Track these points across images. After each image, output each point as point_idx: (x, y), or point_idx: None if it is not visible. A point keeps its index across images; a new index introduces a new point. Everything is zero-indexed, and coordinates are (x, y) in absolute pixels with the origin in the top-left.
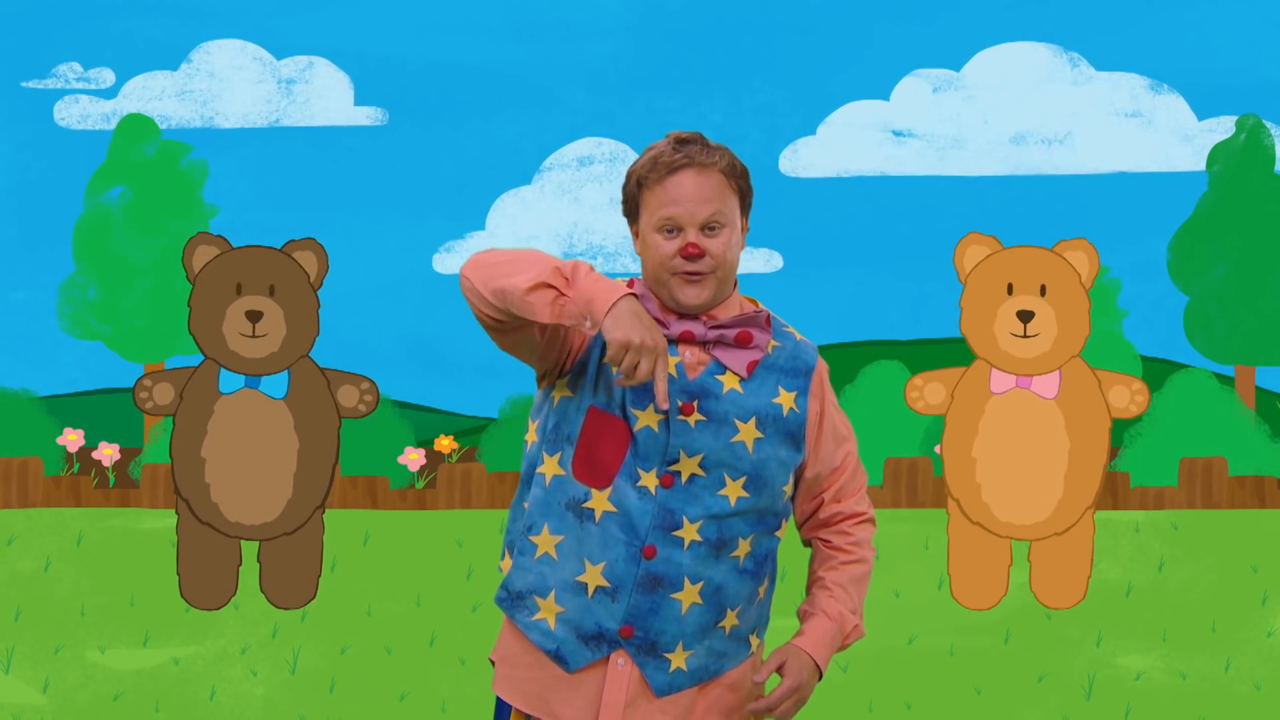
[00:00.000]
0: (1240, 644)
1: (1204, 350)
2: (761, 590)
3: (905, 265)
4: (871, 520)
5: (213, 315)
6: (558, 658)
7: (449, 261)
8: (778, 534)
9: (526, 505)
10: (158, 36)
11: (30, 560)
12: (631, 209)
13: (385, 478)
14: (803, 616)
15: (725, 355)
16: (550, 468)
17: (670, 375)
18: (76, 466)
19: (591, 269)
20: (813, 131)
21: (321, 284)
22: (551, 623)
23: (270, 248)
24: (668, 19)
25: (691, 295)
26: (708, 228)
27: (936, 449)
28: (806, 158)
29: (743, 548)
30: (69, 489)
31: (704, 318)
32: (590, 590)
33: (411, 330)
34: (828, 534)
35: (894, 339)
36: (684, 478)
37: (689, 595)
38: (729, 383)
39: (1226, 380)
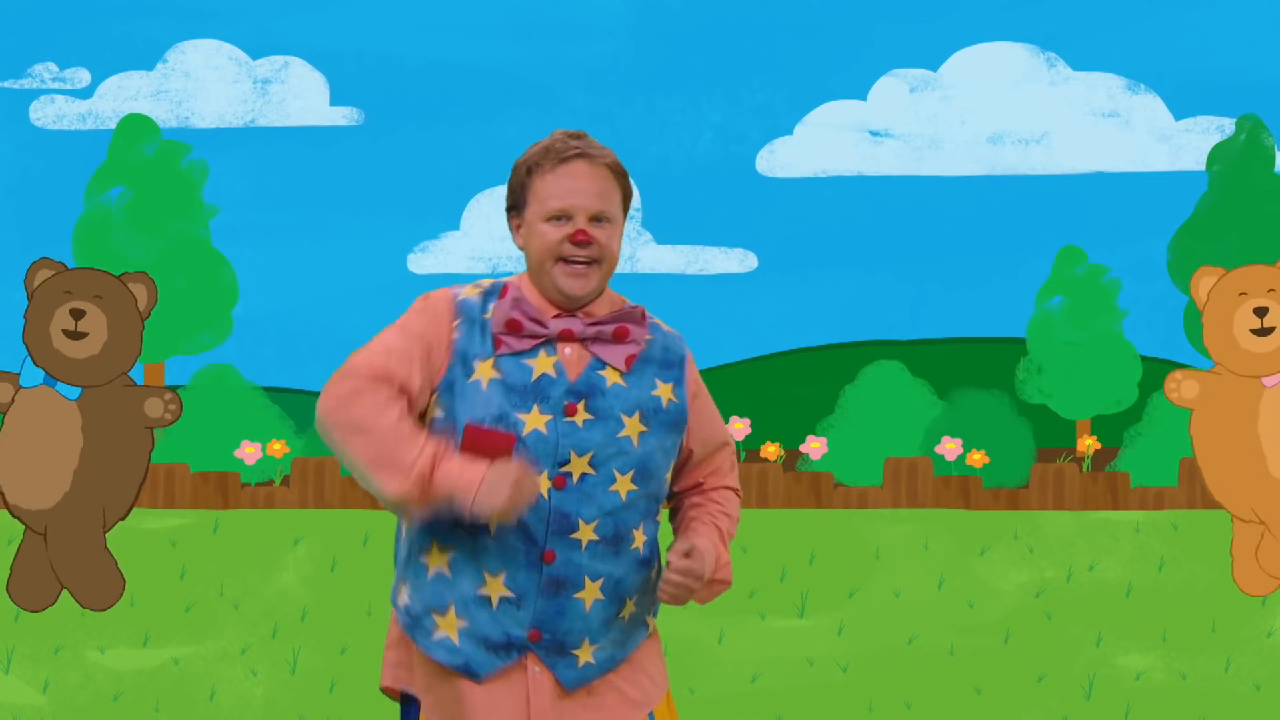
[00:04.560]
0: (1240, 644)
1: (1204, 350)
2: (654, 574)
3: (901, 266)
4: (738, 493)
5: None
6: (466, 670)
7: (424, 262)
8: (657, 519)
9: (407, 527)
10: (133, 36)
11: None
12: (518, 199)
13: None
14: (687, 533)
15: (604, 351)
16: None
17: (550, 375)
18: None
19: (438, 461)
20: (790, 131)
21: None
22: (455, 637)
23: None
24: (668, 19)
25: (577, 286)
26: (596, 219)
27: (936, 449)
28: (784, 157)
29: (638, 538)
30: None
31: (580, 314)
32: (494, 601)
33: None
34: (700, 496)
35: (894, 339)
36: (575, 477)
37: (590, 593)
38: (611, 378)
39: None
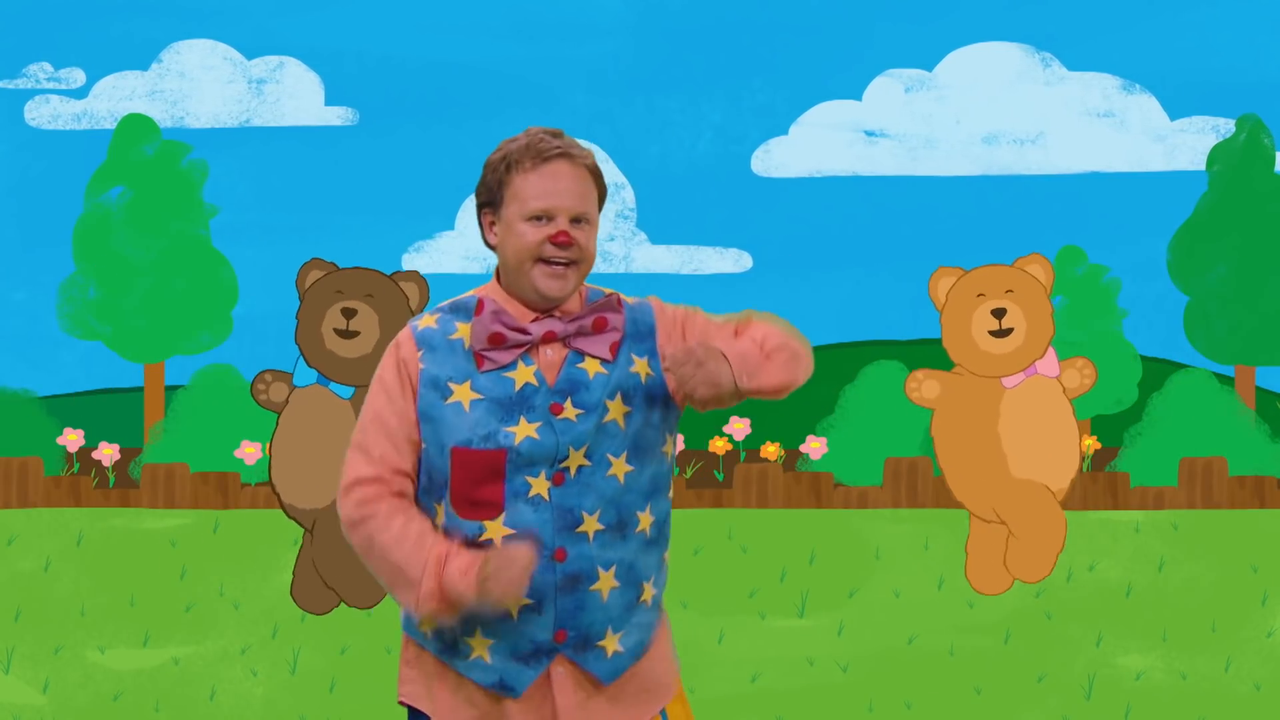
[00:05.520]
0: (1240, 644)
1: (1204, 350)
2: (665, 555)
3: (899, 266)
4: (766, 324)
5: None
6: (502, 687)
7: (419, 261)
8: (669, 495)
9: None
10: (128, 36)
11: (30, 560)
12: (495, 196)
13: None
14: None
15: (586, 344)
16: (440, 517)
17: (532, 384)
18: (76, 466)
19: (444, 569)
20: (785, 131)
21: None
22: (486, 656)
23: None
24: (668, 19)
25: (556, 287)
26: (576, 220)
27: None
28: (779, 157)
29: (644, 521)
30: (69, 489)
31: (558, 313)
32: (515, 611)
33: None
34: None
35: (894, 339)
36: (573, 471)
37: (605, 582)
38: (592, 369)
39: (1226, 380)
